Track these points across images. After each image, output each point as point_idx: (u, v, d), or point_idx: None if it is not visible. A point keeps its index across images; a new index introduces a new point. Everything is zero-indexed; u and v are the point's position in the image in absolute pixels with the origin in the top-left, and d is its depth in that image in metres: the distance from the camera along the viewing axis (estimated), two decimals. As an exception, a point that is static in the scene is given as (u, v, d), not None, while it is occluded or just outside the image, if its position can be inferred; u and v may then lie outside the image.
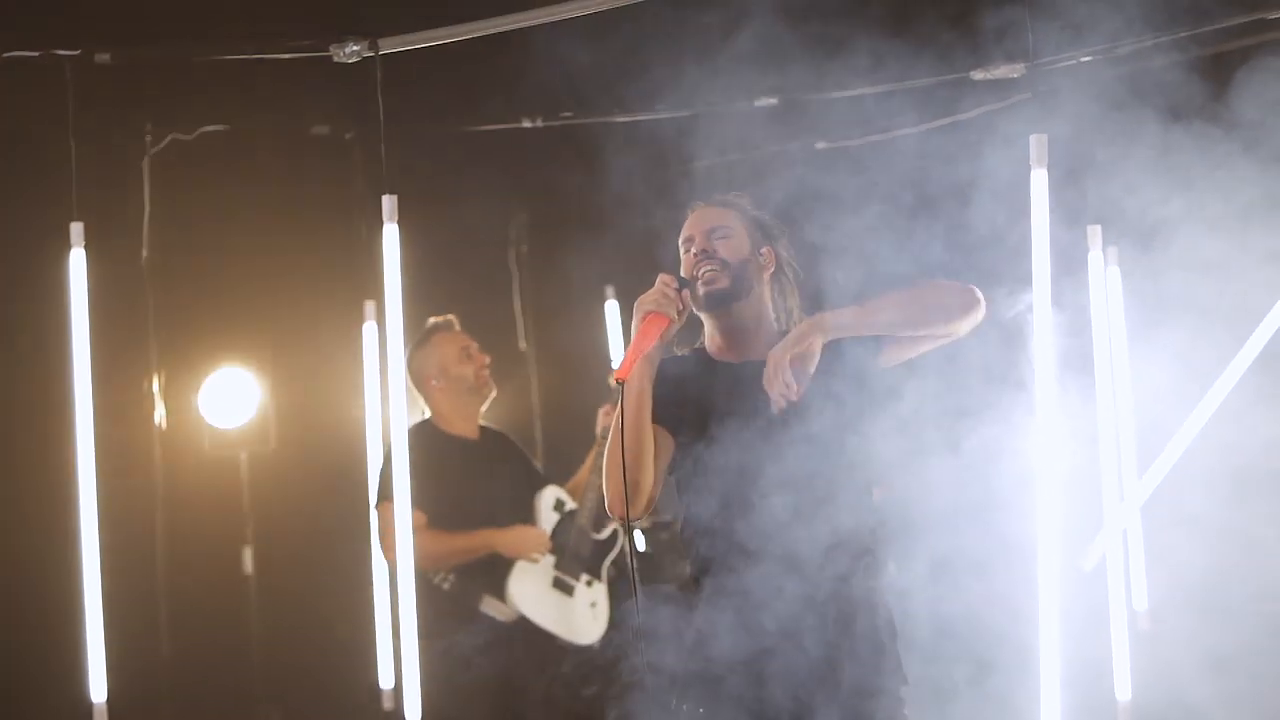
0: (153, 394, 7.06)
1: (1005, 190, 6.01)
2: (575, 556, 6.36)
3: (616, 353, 8.30)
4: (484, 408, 6.43)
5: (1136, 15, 5.31)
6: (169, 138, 6.89)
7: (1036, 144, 4.30)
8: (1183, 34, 5.44)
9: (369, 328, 6.99)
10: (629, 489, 3.88)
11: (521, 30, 5.33)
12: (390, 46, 5.27)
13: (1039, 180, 4.31)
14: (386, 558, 6.24)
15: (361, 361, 7.00)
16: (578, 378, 8.29)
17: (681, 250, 4.10)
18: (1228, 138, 5.46)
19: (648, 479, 3.92)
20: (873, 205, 6.48)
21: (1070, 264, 6.27)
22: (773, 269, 4.11)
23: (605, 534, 6.45)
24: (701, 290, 3.99)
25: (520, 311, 8.56)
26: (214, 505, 7.45)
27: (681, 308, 3.92)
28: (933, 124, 6.69)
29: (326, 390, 7.43)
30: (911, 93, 6.13)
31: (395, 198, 5.13)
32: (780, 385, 3.78)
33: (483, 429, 6.46)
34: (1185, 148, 5.52)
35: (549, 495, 6.42)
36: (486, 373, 6.41)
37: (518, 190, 8.12)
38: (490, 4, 5.40)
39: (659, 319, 3.87)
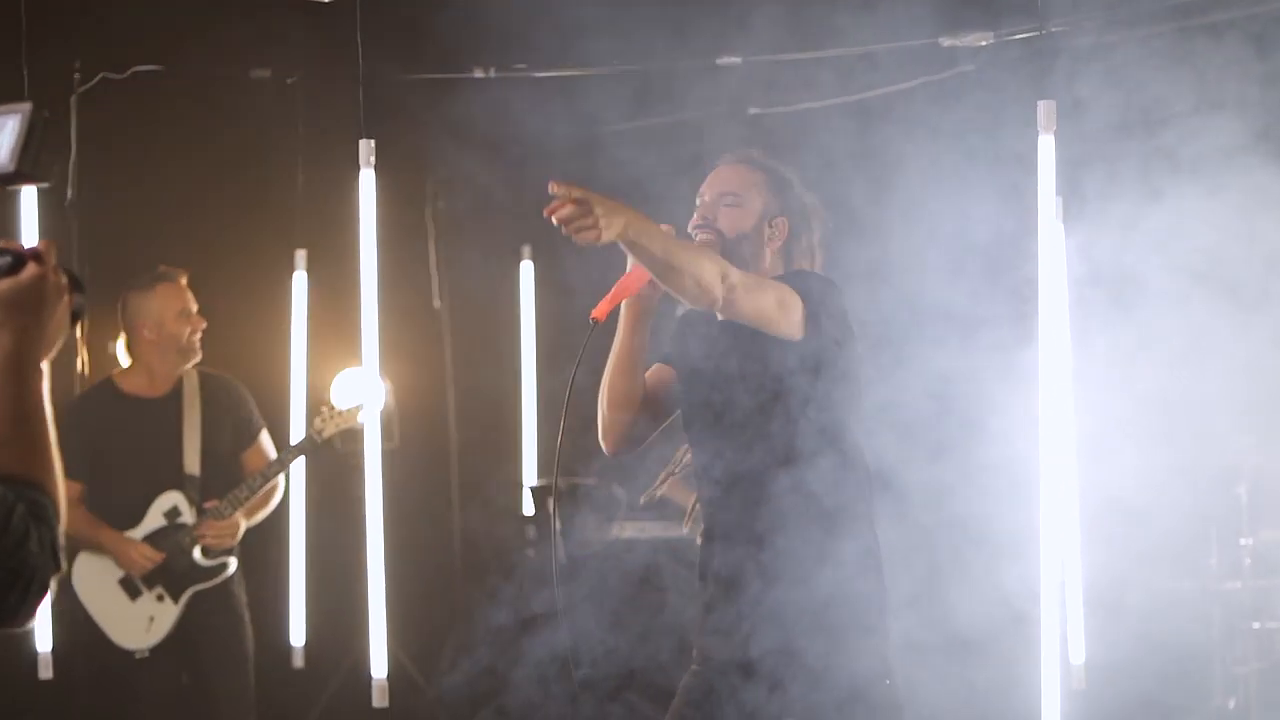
0: (74, 340, 6.85)
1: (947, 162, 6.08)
2: (163, 569, 6.14)
3: (528, 314, 8.25)
4: (186, 367, 6.26)
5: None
6: (99, 76, 6.68)
7: (1045, 110, 4.27)
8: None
9: (299, 277, 6.89)
10: (608, 420, 4.04)
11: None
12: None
13: (1046, 146, 4.28)
14: None
15: (289, 311, 6.90)
16: (492, 338, 8.23)
17: (695, 203, 4.06)
18: (1201, 121, 5.55)
19: (628, 414, 4.02)
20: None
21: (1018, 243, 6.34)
22: (781, 241, 4.03)
23: (210, 561, 6.21)
24: None
25: (435, 268, 8.45)
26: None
27: None
28: (869, 93, 6.73)
29: (252, 339, 7.27)
30: (875, 56, 6.14)
31: (372, 142, 5.02)
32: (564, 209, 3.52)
33: (181, 381, 6.26)
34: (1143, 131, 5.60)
35: (167, 500, 6.18)
36: (198, 338, 6.24)
37: (438, 144, 8.00)
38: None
39: None
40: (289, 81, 7.00)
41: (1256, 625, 6.68)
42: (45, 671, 6.14)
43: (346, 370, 6.93)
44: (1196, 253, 5.66)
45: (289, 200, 6.99)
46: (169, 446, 6.20)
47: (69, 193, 6.70)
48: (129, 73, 6.72)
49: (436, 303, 8.45)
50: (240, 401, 6.40)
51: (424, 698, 7.31)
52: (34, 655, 6.10)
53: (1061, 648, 4.66)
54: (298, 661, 7.08)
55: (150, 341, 6.20)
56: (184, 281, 6.24)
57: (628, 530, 7.46)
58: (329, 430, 6.40)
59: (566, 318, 6.49)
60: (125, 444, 6.16)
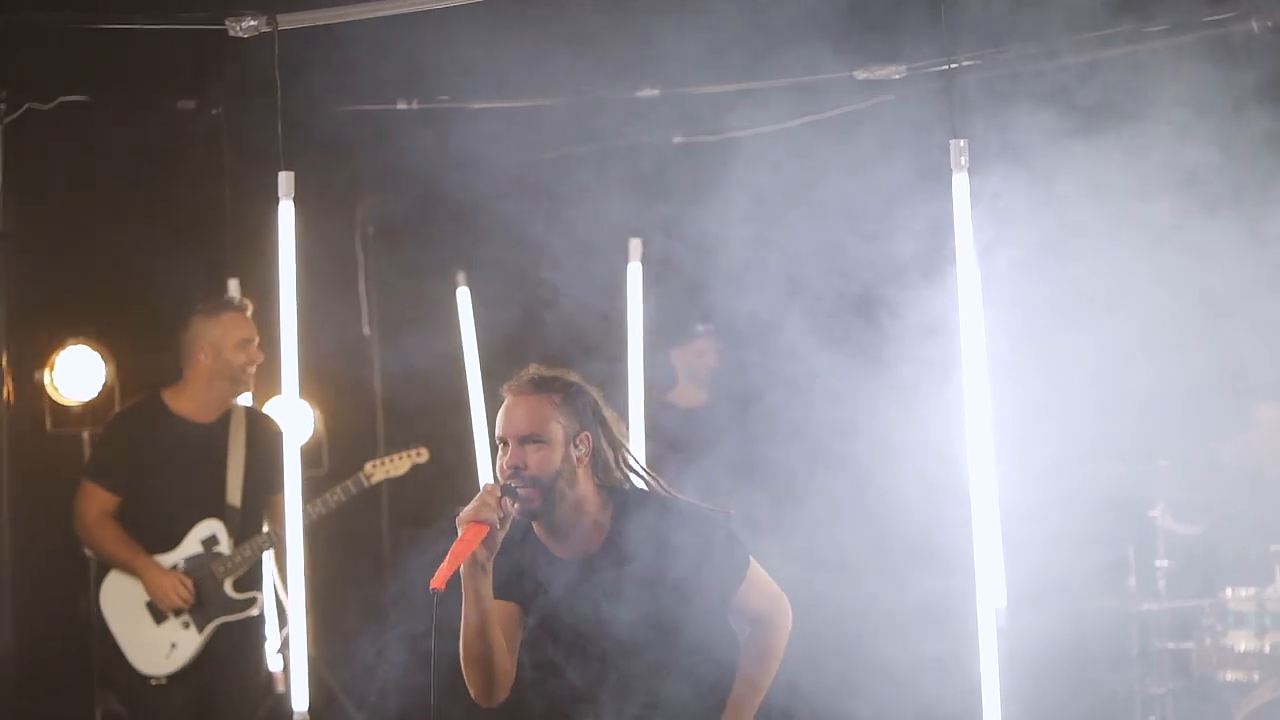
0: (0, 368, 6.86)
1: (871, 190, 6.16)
2: (194, 597, 6.18)
3: (470, 345, 8.27)
4: (235, 399, 6.32)
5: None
6: (25, 107, 6.69)
7: (957, 149, 4.34)
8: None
9: (234, 305, 6.89)
10: (485, 682, 4.05)
11: (409, 14, 5.32)
12: (289, 23, 5.19)
13: (960, 184, 4.36)
14: (79, 534, 6.25)
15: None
16: (423, 364, 8.24)
17: (498, 443, 4.14)
18: (1101, 137, 5.66)
19: (503, 666, 4.06)
20: (724, 201, 6.60)
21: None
22: (588, 455, 4.13)
23: (242, 595, 6.29)
24: (517, 510, 4.02)
25: (365, 295, 8.49)
26: (55, 484, 7.23)
27: (503, 515, 3.95)
28: (791, 122, 6.82)
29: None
30: (789, 90, 6.23)
31: (292, 174, 5.06)
32: None
33: (229, 413, 6.34)
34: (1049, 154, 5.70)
35: (207, 528, 6.25)
36: (253, 370, 6.31)
37: (367, 173, 8.04)
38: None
39: (478, 527, 3.90)
40: (214, 112, 7.03)
41: (1171, 646, 6.78)
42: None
43: (274, 398, 6.95)
44: (1107, 285, 5.78)
45: (219, 230, 7.01)
46: (214, 474, 6.25)
47: (-5, 224, 6.72)
48: (55, 103, 6.73)
49: (366, 330, 8.50)
50: (281, 444, 6.43)
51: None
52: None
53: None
54: (279, 686, 7.06)
55: (204, 365, 6.26)
56: (249, 312, 6.31)
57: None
58: (378, 476, 6.48)
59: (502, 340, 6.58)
60: (170, 464, 6.20)
